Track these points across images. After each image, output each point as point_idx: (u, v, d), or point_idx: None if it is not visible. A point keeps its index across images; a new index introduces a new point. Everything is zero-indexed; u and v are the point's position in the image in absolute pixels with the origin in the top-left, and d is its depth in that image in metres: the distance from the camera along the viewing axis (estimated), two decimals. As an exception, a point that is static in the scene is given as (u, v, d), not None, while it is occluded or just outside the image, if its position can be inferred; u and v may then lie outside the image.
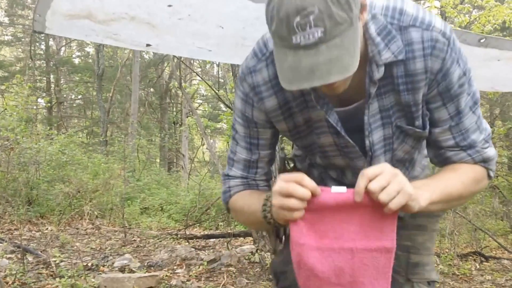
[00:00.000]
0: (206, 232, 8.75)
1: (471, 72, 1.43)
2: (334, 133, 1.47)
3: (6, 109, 10.13)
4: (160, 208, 11.03)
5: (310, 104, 1.44)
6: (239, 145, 1.60)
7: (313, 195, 1.23)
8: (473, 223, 7.62)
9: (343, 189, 1.24)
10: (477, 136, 1.46)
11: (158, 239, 7.55)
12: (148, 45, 3.38)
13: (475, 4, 9.51)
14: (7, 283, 4.45)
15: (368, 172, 1.20)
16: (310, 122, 1.50)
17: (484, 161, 1.48)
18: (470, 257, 7.02)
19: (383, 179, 1.19)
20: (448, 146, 1.48)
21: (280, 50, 1.18)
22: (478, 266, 6.58)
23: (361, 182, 1.20)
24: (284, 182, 1.24)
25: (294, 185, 1.23)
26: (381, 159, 1.52)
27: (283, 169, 1.88)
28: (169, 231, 8.40)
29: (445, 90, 1.39)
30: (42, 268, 5.17)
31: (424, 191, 1.29)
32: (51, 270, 5.04)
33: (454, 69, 1.36)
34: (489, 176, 1.53)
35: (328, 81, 1.12)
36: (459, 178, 1.44)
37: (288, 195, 1.23)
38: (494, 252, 7.81)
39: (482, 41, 3.13)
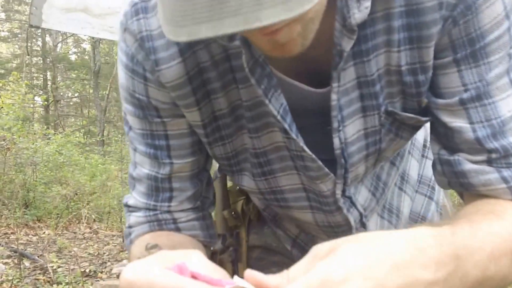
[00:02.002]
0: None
1: None
2: (281, 129, 0.87)
3: (2, 107, 10.03)
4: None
5: (240, 76, 0.87)
6: (137, 151, 0.97)
7: None
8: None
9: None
10: None
11: (156, 244, 7.44)
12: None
13: None
14: (4, 291, 4.37)
15: (317, 271, 0.54)
16: (241, 109, 0.90)
17: None
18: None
19: None
20: (463, 148, 0.83)
21: None
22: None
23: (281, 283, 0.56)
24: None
25: None
26: (360, 169, 0.94)
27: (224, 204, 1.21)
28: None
29: (463, 39, 0.78)
30: (39, 273, 5.11)
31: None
32: (49, 276, 4.98)
33: (489, 2, 0.76)
34: None
35: (258, 24, 0.56)
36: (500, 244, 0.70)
37: None
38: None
39: None
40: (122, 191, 9.21)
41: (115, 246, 7.12)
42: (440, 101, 0.83)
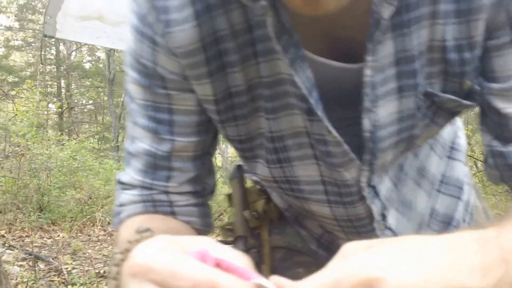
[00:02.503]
0: (219, 238, 8.67)
1: None
2: (304, 109, 0.79)
3: (16, 114, 10.13)
4: (172, 213, 10.98)
5: (261, 48, 0.77)
6: (137, 125, 0.88)
7: None
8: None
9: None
10: None
11: (170, 245, 7.46)
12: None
13: None
14: (18, 292, 4.39)
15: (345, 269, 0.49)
16: (259, 88, 0.81)
17: None
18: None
19: None
20: None
21: None
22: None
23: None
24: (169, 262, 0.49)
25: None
26: (388, 156, 0.85)
27: (240, 193, 1.11)
28: (181, 237, 8.30)
29: None
30: (54, 275, 5.12)
31: None
32: (63, 277, 4.99)
33: None
34: None
35: None
36: None
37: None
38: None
39: None
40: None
41: (130, 247, 7.13)
42: (494, 85, 0.76)
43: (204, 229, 0.96)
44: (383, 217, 0.95)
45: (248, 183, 1.15)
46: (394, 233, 0.97)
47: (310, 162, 0.87)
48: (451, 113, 0.85)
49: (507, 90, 0.75)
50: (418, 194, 1.05)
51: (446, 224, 1.08)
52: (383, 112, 0.79)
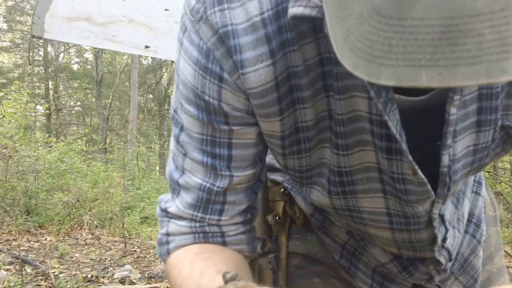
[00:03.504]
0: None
1: None
2: (382, 148, 0.77)
3: (4, 116, 10.05)
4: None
5: (339, 85, 0.74)
6: (188, 157, 0.85)
7: None
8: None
9: None
10: None
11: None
12: (146, 46, 3.39)
13: None
14: (5, 296, 4.36)
15: None
16: (326, 121, 0.79)
17: None
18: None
19: None
20: None
21: None
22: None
23: None
24: None
25: None
26: (459, 186, 0.85)
27: (270, 212, 1.09)
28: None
29: None
30: (41, 279, 5.09)
31: None
32: (50, 282, 4.96)
33: None
34: None
35: (506, 77, 0.44)
36: None
37: None
38: (500, 261, 7.73)
39: None
40: (124, 197, 9.22)
41: (117, 251, 7.11)
42: None
43: (251, 254, 0.95)
44: (444, 239, 0.95)
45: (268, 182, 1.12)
46: (449, 252, 0.97)
47: (377, 195, 0.85)
48: None
49: None
50: (465, 203, 1.05)
51: (468, 221, 1.09)
52: (460, 146, 0.78)
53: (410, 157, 0.74)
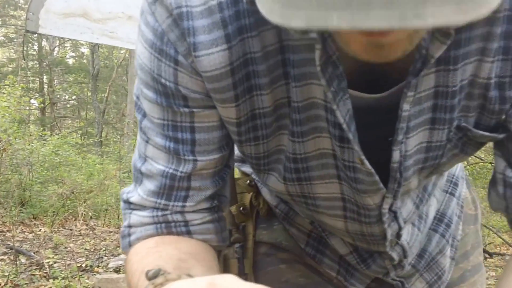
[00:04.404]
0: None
1: None
2: (336, 136, 0.77)
3: (-2, 110, 10.03)
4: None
5: (295, 72, 0.74)
6: (150, 144, 0.82)
7: None
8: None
9: None
10: None
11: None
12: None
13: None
14: (-1, 285, 4.37)
15: None
16: (285, 108, 0.78)
17: None
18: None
19: None
20: None
21: None
22: (481, 262, 6.55)
23: None
24: None
25: None
26: (412, 184, 0.86)
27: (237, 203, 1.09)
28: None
29: None
30: (35, 269, 5.11)
31: None
32: (45, 271, 4.98)
33: None
34: None
35: (421, 23, 0.43)
36: None
37: None
38: (498, 248, 7.74)
39: None
40: (120, 189, 9.20)
41: (112, 241, 7.11)
42: None
43: (220, 244, 0.92)
44: (398, 236, 0.95)
45: (236, 173, 1.11)
46: (403, 249, 0.97)
47: (332, 181, 0.85)
48: (481, 144, 0.83)
49: None
50: (432, 202, 1.05)
51: (439, 221, 1.09)
52: (412, 143, 0.78)
53: (357, 147, 0.74)
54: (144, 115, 0.81)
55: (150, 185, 0.83)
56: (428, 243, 1.07)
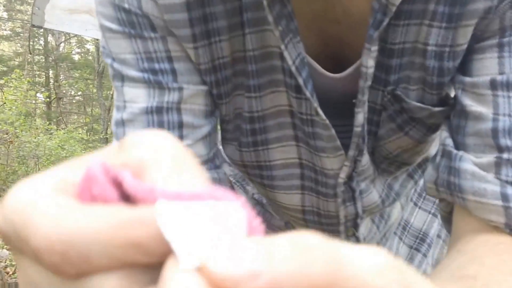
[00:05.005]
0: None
1: None
2: (292, 86, 0.72)
3: (5, 103, 10.06)
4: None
5: (250, 17, 0.70)
6: (126, 84, 0.70)
7: None
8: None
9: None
10: None
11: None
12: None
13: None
14: (7, 273, 4.42)
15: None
16: (242, 64, 0.74)
17: None
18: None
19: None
20: (470, 144, 0.67)
21: None
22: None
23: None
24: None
25: None
26: (364, 159, 0.80)
27: None
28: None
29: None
30: (43, 260, 5.12)
31: None
32: (52, 261, 4.99)
33: None
34: None
35: None
36: None
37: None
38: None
39: None
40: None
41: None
42: (467, 79, 0.67)
43: None
44: (355, 225, 0.91)
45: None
46: (358, 242, 0.91)
47: (289, 143, 0.80)
48: (428, 128, 0.78)
49: (479, 86, 0.66)
50: (396, 205, 1.03)
51: (421, 240, 1.06)
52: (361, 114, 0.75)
53: (308, 93, 0.70)
54: (113, 59, 0.71)
55: (134, 130, 0.70)
56: (410, 262, 1.05)
